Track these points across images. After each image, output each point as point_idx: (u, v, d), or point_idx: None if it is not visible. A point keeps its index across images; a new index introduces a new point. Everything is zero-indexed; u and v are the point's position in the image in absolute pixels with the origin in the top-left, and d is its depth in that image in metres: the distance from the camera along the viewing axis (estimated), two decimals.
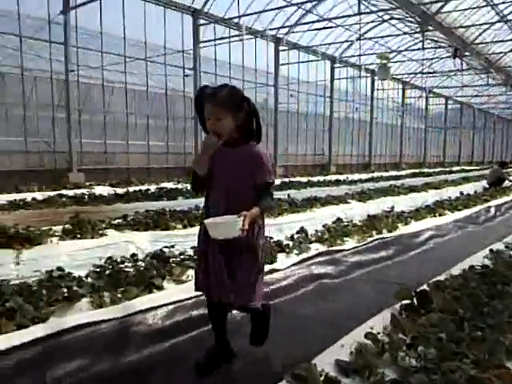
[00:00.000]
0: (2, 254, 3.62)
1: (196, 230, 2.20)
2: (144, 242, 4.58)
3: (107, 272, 3.37)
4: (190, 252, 3.98)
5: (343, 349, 2.17)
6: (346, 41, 17.63)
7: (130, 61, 12.06)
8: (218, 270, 2.01)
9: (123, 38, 11.96)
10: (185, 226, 5.35)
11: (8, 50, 10.16)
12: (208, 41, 13.95)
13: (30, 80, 10.56)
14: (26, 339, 2.24)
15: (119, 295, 2.87)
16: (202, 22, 13.77)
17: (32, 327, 2.38)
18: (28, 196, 7.62)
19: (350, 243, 5.00)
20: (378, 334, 2.31)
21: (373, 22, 15.92)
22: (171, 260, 3.65)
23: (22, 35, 10.11)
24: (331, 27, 15.56)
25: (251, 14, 13.60)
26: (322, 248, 4.63)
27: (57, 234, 4.67)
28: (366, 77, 21.77)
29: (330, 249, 4.59)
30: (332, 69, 19.57)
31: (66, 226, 4.96)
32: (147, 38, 12.51)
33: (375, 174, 17.17)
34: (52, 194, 8.04)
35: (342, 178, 14.66)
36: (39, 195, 7.84)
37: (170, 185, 10.48)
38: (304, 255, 4.24)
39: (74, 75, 11.00)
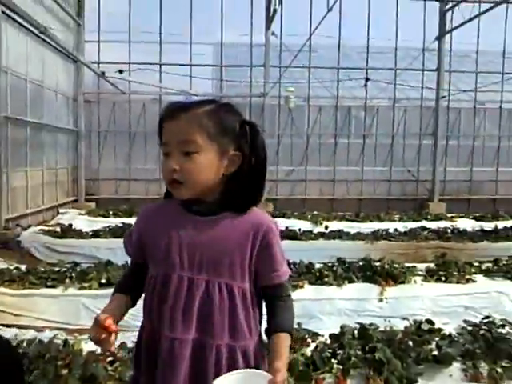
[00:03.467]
0: (367, 289, 3.86)
1: None
2: None
3: (481, 332, 3.01)
4: None
5: None
6: None
7: (509, 78, 11.03)
8: None
9: (502, 54, 11.11)
10: None
11: (382, 84, 11.12)
12: None
13: (399, 110, 11.24)
14: None
15: (499, 370, 2.45)
16: None
17: None
18: (390, 226, 7.91)
19: None
20: None
21: None
22: None
23: (396, 68, 10.88)
24: None
25: None
26: None
27: (420, 273, 4.63)
28: None
29: None
30: None
31: (431, 265, 4.93)
32: None
33: None
34: (413, 225, 8.11)
35: None
36: (401, 226, 8.01)
37: None
38: None
39: (445, 101, 11.01)
